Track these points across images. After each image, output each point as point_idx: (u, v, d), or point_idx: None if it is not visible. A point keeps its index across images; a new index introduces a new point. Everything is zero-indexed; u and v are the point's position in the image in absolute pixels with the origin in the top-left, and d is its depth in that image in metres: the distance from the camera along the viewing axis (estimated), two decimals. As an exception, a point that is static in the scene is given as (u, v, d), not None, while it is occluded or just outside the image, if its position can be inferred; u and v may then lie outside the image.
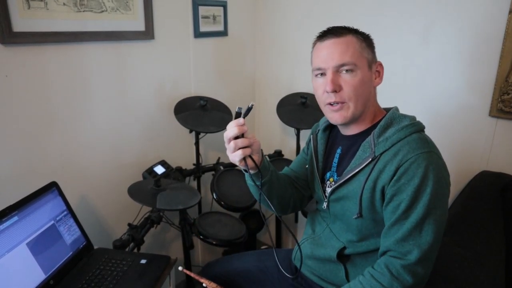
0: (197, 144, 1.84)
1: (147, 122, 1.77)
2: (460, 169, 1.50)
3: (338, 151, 1.09)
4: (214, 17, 1.95)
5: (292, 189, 1.17)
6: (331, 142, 1.14)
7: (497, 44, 1.38)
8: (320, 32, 1.01)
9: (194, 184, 1.96)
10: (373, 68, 1.01)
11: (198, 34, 1.87)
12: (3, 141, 1.31)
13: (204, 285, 1.09)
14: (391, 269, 0.92)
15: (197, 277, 1.09)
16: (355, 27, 1.01)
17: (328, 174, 1.11)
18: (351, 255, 1.05)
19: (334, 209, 1.07)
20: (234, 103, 1.93)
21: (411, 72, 1.63)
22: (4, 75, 1.28)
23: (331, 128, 1.16)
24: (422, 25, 1.56)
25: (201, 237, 1.56)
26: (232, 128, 0.91)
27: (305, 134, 1.95)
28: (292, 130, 2.00)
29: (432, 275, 0.94)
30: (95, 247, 1.34)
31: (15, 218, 1.08)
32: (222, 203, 1.70)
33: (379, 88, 1.06)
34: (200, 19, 1.87)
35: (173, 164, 1.84)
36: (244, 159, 0.94)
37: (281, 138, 2.25)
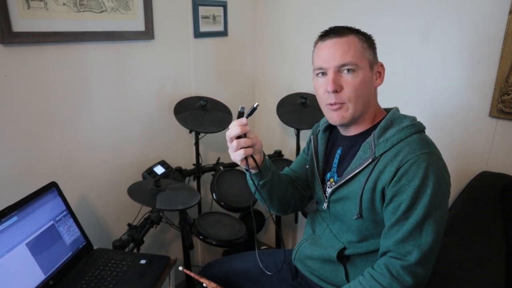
0: (197, 144, 1.84)
1: (147, 122, 1.76)
2: (460, 169, 1.50)
3: (339, 151, 1.09)
4: (214, 17, 1.95)
5: (293, 189, 1.17)
6: (332, 142, 1.14)
7: (497, 45, 1.38)
8: (322, 32, 1.01)
9: (194, 184, 1.96)
10: (374, 68, 1.01)
11: (198, 34, 1.87)
12: (3, 141, 1.31)
13: (204, 285, 1.09)
14: (391, 269, 0.92)
15: (197, 277, 1.09)
16: (356, 27, 1.01)
17: (328, 175, 1.11)
18: (351, 255, 1.05)
19: (334, 210, 1.07)
20: (234, 103, 1.94)
21: (411, 72, 1.63)
22: (4, 75, 1.27)
23: (331, 129, 1.16)
24: (422, 25, 1.56)
25: (201, 237, 1.56)
26: (234, 128, 0.91)
27: (305, 134, 1.95)
28: (292, 130, 2.00)
29: (432, 276, 0.94)
30: (95, 247, 1.34)
31: (15, 218, 1.08)
32: (222, 203, 1.70)
33: (379, 88, 1.05)
34: (200, 19, 1.87)
35: (173, 164, 1.83)
36: (245, 158, 0.94)
37: (281, 138, 2.25)
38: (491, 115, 1.45)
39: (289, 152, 2.16)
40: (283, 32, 2.08)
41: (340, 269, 1.05)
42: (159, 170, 1.74)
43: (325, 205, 1.08)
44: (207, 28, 1.92)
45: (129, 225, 1.49)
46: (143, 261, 1.25)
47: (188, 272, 1.12)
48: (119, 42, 1.57)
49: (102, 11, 1.48)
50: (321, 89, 1.00)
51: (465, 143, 1.53)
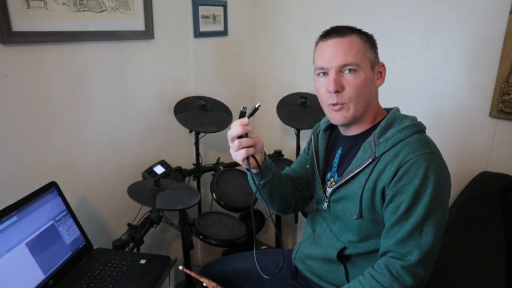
0: (197, 144, 1.84)
1: (147, 122, 1.76)
2: (460, 169, 1.50)
3: (339, 151, 1.09)
4: (214, 17, 1.94)
5: (294, 189, 1.17)
6: (332, 142, 1.14)
7: (498, 45, 1.38)
8: (324, 31, 1.01)
9: (194, 184, 1.96)
10: (375, 68, 1.00)
11: (198, 34, 1.87)
12: (3, 141, 1.31)
13: (204, 284, 1.09)
14: (391, 269, 0.91)
15: (197, 276, 1.09)
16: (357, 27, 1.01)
17: (328, 175, 1.10)
18: (351, 255, 1.05)
19: (334, 210, 1.07)
20: (234, 103, 1.94)
21: (411, 72, 1.63)
22: (4, 75, 1.27)
23: (332, 128, 1.15)
24: (422, 25, 1.56)
25: (201, 237, 1.56)
26: (236, 127, 0.91)
27: (305, 134, 1.95)
28: (292, 130, 2.00)
29: (432, 276, 0.94)
30: (95, 247, 1.34)
31: (15, 218, 1.08)
32: (222, 203, 1.69)
33: (379, 88, 1.05)
34: (200, 19, 1.87)
35: (173, 164, 1.83)
36: (247, 158, 0.94)
37: (281, 138, 2.25)
38: (491, 115, 1.45)
39: (289, 152, 2.16)
40: (283, 32, 2.08)
41: (340, 269, 1.05)
42: (159, 170, 1.73)
43: (325, 205, 1.08)
44: (207, 28, 1.92)
45: (129, 225, 1.49)
46: (143, 261, 1.25)
47: (188, 271, 1.12)
48: (119, 42, 1.57)
49: (102, 10, 1.48)
50: (323, 89, 0.99)
51: (465, 143, 1.53)
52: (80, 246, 1.28)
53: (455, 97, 1.53)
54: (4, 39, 1.23)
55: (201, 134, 1.83)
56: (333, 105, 0.98)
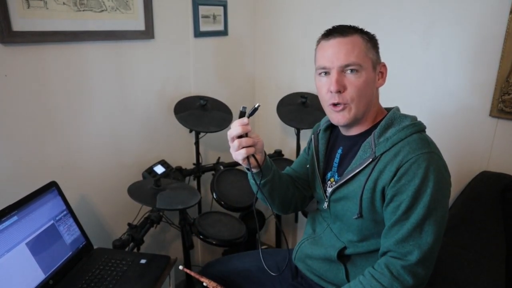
0: (197, 143, 1.84)
1: (147, 122, 1.76)
2: (460, 169, 1.50)
3: (339, 151, 1.09)
4: (214, 17, 1.94)
5: (294, 189, 1.17)
6: (332, 142, 1.14)
7: (498, 44, 1.38)
8: (326, 30, 1.00)
9: (194, 184, 1.96)
10: (377, 69, 1.00)
11: (198, 33, 1.87)
12: (3, 140, 1.31)
13: (204, 284, 1.09)
14: (391, 269, 0.92)
15: (197, 276, 1.09)
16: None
17: (329, 174, 1.11)
18: (352, 255, 1.05)
19: (334, 209, 1.07)
20: (234, 103, 1.94)
21: (411, 72, 1.63)
22: (4, 75, 1.27)
23: (332, 128, 1.15)
24: (422, 25, 1.56)
25: (201, 237, 1.56)
26: (236, 127, 0.91)
27: (305, 134, 1.95)
28: (292, 130, 2.00)
29: (432, 276, 0.94)
30: (95, 247, 1.34)
31: (15, 217, 1.08)
32: (222, 203, 1.69)
33: (380, 88, 1.05)
34: (200, 19, 1.86)
35: (173, 163, 1.83)
36: (247, 158, 0.94)
37: (281, 138, 2.25)
38: (491, 114, 1.45)
39: (289, 152, 2.16)
40: (283, 32, 2.08)
41: (340, 268, 1.05)
42: (159, 169, 1.73)
43: (325, 204, 1.08)
44: (207, 28, 1.91)
45: (129, 224, 1.49)
46: (143, 261, 1.25)
47: (188, 271, 1.12)
48: (119, 42, 1.57)
49: (102, 10, 1.48)
50: (324, 89, 0.99)
51: (466, 143, 1.53)
52: (80, 246, 1.28)
53: (455, 96, 1.53)
54: (4, 39, 1.23)
55: (201, 134, 1.83)
56: (335, 105, 0.98)
